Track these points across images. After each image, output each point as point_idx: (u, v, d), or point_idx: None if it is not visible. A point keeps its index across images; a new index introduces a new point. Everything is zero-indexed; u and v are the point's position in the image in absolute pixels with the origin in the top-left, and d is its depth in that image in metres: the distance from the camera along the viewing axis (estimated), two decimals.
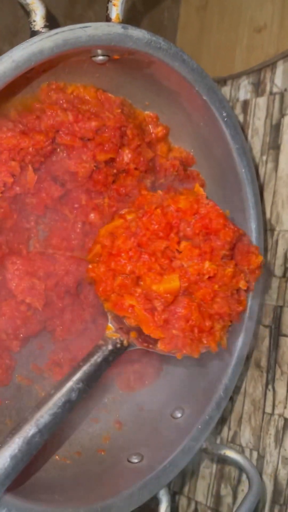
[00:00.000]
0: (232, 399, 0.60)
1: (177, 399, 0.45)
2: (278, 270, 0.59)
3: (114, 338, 0.38)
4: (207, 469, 0.62)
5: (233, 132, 0.43)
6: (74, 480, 0.38)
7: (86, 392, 0.36)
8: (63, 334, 0.42)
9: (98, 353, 0.37)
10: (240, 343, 0.45)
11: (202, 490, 0.62)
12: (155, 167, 0.44)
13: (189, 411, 0.43)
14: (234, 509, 0.45)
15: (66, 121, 0.37)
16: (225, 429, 0.60)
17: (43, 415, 0.33)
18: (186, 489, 0.63)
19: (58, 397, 0.34)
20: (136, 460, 0.40)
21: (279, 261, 0.60)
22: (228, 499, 0.59)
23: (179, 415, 0.44)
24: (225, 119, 0.42)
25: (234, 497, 0.59)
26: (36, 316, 0.41)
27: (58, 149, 0.38)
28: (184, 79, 0.39)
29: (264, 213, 0.61)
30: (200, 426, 0.42)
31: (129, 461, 0.40)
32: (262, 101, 0.63)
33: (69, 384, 0.35)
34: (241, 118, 0.64)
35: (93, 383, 0.37)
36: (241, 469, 0.46)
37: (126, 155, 0.41)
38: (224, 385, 0.44)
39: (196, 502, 0.62)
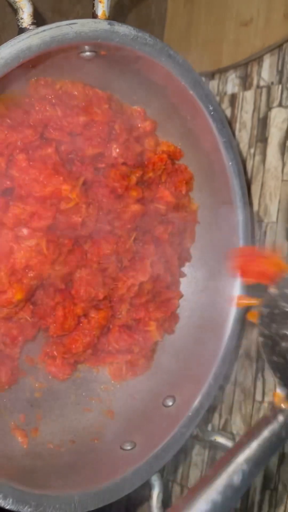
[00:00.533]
0: (223, 388, 0.61)
1: (169, 388, 0.46)
2: None
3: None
4: (199, 457, 0.63)
5: (220, 125, 0.43)
6: (69, 467, 0.38)
7: (253, 476, 0.29)
8: (56, 331, 0.43)
9: (268, 427, 0.31)
10: (228, 332, 0.46)
11: (194, 477, 0.63)
12: (143, 161, 0.45)
13: (180, 400, 0.44)
14: None
15: (54, 116, 0.37)
16: (216, 416, 0.62)
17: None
18: (179, 476, 0.65)
19: (217, 482, 0.28)
20: (129, 447, 0.41)
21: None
22: None
23: (170, 403, 0.45)
24: (212, 112, 0.42)
25: None
26: (29, 321, 0.41)
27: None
28: (171, 74, 0.40)
29: (252, 205, 0.62)
30: (190, 414, 0.43)
31: (122, 448, 0.41)
32: (249, 94, 0.64)
33: (232, 466, 0.28)
34: (229, 111, 0.65)
35: (261, 465, 0.30)
36: None
37: (114, 150, 0.41)
38: (214, 373, 0.45)
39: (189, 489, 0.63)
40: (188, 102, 0.42)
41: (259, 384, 0.59)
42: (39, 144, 0.37)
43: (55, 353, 0.43)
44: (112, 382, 0.47)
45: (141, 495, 0.41)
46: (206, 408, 0.44)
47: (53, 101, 0.37)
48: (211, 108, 0.42)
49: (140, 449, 0.41)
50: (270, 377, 0.58)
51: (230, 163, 0.44)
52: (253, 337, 0.60)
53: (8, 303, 0.36)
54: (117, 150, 0.41)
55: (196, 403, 0.43)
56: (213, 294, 0.49)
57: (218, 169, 0.46)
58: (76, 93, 0.39)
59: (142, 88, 0.42)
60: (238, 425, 0.60)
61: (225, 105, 0.66)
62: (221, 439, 0.44)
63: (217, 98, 0.65)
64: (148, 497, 0.42)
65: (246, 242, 0.48)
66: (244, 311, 0.52)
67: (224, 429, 0.61)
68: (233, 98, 0.65)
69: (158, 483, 0.40)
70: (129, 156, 0.42)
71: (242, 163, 0.62)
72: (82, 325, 0.43)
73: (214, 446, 0.59)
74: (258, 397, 0.59)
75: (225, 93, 0.65)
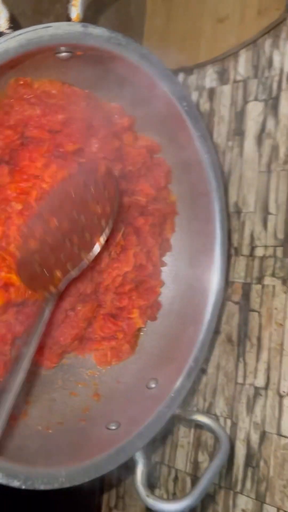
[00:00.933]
0: (206, 372, 0.63)
1: (151, 371, 0.48)
2: (245, 250, 0.63)
3: None
4: (185, 439, 0.66)
5: (194, 120, 0.45)
6: (57, 447, 0.41)
7: None
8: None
9: None
10: (208, 317, 0.49)
11: (181, 459, 0.66)
12: (122, 155, 0.47)
13: (162, 381, 0.47)
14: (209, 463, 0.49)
15: (34, 115, 0.39)
16: (201, 400, 0.64)
17: None
18: (166, 458, 0.67)
19: None
20: (114, 427, 0.44)
21: (246, 241, 0.63)
22: (205, 465, 0.64)
23: (153, 385, 0.47)
24: (186, 108, 0.44)
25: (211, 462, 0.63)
26: (18, 317, 0.43)
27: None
28: (145, 73, 0.42)
29: (230, 196, 0.64)
30: (172, 395, 0.46)
31: (107, 428, 0.44)
32: (226, 89, 0.66)
33: None
34: (208, 105, 0.67)
35: None
36: (211, 431, 0.50)
37: (94, 145, 0.43)
38: (194, 356, 0.47)
39: (176, 470, 0.66)
40: (163, 99, 0.44)
41: (240, 367, 0.62)
42: (20, 143, 0.39)
43: (44, 345, 0.45)
44: (98, 367, 0.49)
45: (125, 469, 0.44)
46: (187, 389, 0.47)
47: (32, 100, 0.39)
48: (185, 104, 0.44)
49: (124, 429, 0.43)
50: (251, 360, 0.61)
51: (205, 156, 0.47)
52: (234, 323, 0.63)
53: None
54: (97, 145, 0.43)
55: (177, 384, 0.45)
56: (193, 282, 0.51)
57: (194, 162, 0.48)
58: (54, 91, 0.41)
59: (119, 86, 0.44)
60: (221, 408, 0.63)
61: (204, 99, 0.68)
62: (202, 418, 0.47)
63: (196, 93, 0.67)
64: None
65: (222, 231, 0.51)
66: (222, 297, 0.55)
67: (209, 412, 0.63)
68: (211, 92, 0.67)
69: (142, 460, 0.42)
70: (109, 150, 0.44)
71: (221, 155, 0.64)
72: (69, 318, 0.45)
73: (199, 427, 0.62)
74: (240, 380, 0.62)
75: (203, 88, 0.68)
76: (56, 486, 0.36)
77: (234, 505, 0.60)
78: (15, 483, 0.34)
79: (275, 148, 0.62)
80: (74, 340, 0.45)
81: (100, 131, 0.43)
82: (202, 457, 0.64)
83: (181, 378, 0.46)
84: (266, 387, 0.60)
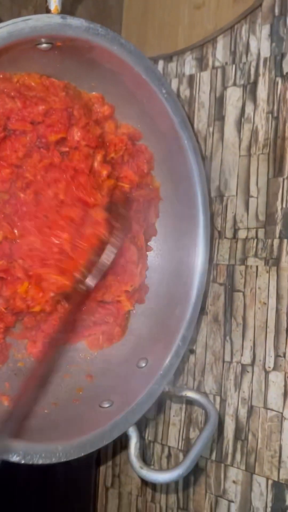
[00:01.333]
0: (195, 352, 0.66)
1: (141, 351, 0.50)
2: (228, 233, 0.65)
3: None
4: (177, 417, 0.68)
5: (174, 107, 0.47)
6: (53, 425, 0.43)
7: None
8: (30, 321, 0.46)
9: None
10: (194, 296, 0.51)
11: (173, 436, 0.69)
12: (105, 143, 0.48)
13: (152, 360, 0.49)
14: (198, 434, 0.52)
15: (15, 108, 0.40)
16: (190, 379, 0.67)
17: None
18: (159, 437, 0.70)
19: None
20: (107, 405, 0.46)
21: (229, 224, 0.65)
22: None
23: (143, 364, 0.49)
24: (165, 95, 0.46)
25: None
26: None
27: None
28: (124, 61, 0.43)
29: (212, 180, 0.66)
30: (162, 372, 0.48)
31: (100, 407, 0.46)
32: (205, 75, 0.67)
33: None
34: (188, 92, 0.68)
35: None
36: (199, 405, 0.52)
37: (76, 133, 0.44)
38: (182, 335, 0.49)
39: (169, 447, 0.68)
40: (143, 87, 0.45)
41: (227, 346, 0.64)
42: (3, 136, 0.40)
43: (35, 338, 0.47)
44: (90, 351, 0.51)
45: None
46: (175, 367, 0.49)
47: (12, 94, 0.40)
48: (164, 91, 0.45)
49: (117, 406, 0.45)
50: (237, 339, 0.63)
51: (186, 142, 0.48)
52: (220, 304, 0.65)
53: None
54: (79, 133, 0.45)
55: (166, 362, 0.47)
56: (178, 264, 0.53)
57: (175, 148, 0.49)
58: (33, 84, 0.42)
59: (98, 75, 0.45)
60: (210, 385, 0.65)
61: (184, 86, 0.69)
62: (191, 394, 0.49)
63: (176, 80, 0.68)
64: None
65: (205, 215, 0.52)
66: (206, 276, 0.56)
67: (198, 390, 0.66)
68: (191, 79, 0.68)
69: (135, 434, 0.44)
70: (91, 138, 0.45)
71: (202, 141, 0.66)
72: (59, 310, 0.47)
73: (190, 403, 0.64)
74: (227, 358, 0.64)
75: (183, 75, 0.69)
76: (54, 460, 0.38)
77: (225, 477, 0.63)
78: (15, 458, 0.36)
79: (254, 132, 0.63)
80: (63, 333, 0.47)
81: (81, 120, 0.44)
82: (194, 434, 0.67)
83: (169, 357, 0.48)
84: (253, 363, 0.62)
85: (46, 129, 0.42)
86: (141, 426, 0.46)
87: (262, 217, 0.63)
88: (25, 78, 0.41)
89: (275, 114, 0.61)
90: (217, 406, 0.64)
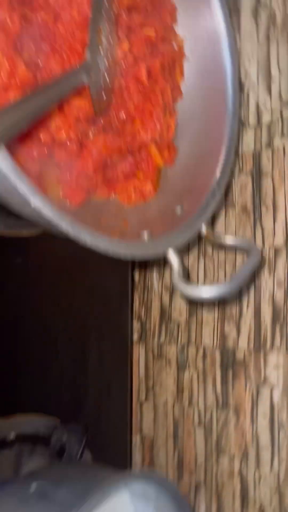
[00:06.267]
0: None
1: (177, 199, 0.48)
2: (252, 119, 0.65)
3: None
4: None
5: None
6: None
7: None
8: None
9: None
10: (225, 147, 0.50)
11: (208, 334, 0.66)
12: None
13: (187, 206, 0.47)
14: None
15: None
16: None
17: None
18: (193, 339, 0.68)
19: None
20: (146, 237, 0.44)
21: (252, 111, 0.65)
22: (233, 334, 0.64)
23: (179, 212, 0.48)
24: None
25: (238, 331, 0.63)
26: None
27: None
28: None
29: None
30: (198, 212, 0.46)
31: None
32: None
33: None
34: None
35: None
36: (240, 249, 0.51)
37: None
38: (217, 178, 0.48)
39: (204, 347, 0.66)
40: None
41: (258, 233, 0.63)
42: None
43: (68, 178, 0.45)
44: (124, 208, 0.50)
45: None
46: (212, 207, 0.47)
47: None
48: None
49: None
50: (268, 224, 0.62)
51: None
52: (248, 193, 0.64)
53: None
54: None
55: (203, 202, 0.46)
56: (206, 125, 0.53)
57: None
58: None
59: None
60: None
61: None
62: (228, 238, 0.47)
63: None
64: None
65: (233, 71, 0.52)
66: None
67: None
68: None
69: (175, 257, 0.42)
70: None
71: None
72: (86, 148, 0.46)
73: (225, 247, 0.60)
74: (259, 243, 0.63)
75: None
76: None
77: (266, 364, 0.61)
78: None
79: (271, 17, 0.64)
80: (96, 171, 0.46)
81: None
82: (228, 328, 0.65)
83: (205, 197, 0.46)
84: (286, 243, 0.61)
85: None
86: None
87: (285, 96, 0.63)
88: None
89: None
90: (252, 290, 0.63)
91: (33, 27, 0.38)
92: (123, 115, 0.47)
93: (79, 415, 0.71)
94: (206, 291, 0.39)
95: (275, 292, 0.61)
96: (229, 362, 0.63)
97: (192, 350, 0.68)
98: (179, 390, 0.68)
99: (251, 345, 0.62)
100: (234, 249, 0.61)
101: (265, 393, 0.60)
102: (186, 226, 0.44)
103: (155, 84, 0.49)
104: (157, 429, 0.69)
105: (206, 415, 0.65)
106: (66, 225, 0.34)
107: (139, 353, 0.72)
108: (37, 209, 0.33)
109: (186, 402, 0.67)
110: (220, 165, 0.50)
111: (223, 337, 0.65)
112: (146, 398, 0.71)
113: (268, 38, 0.64)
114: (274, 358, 0.60)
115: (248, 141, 0.65)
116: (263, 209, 0.63)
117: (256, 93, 0.65)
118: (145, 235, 0.43)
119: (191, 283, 0.41)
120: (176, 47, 0.52)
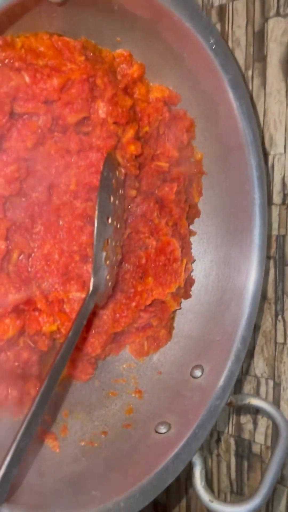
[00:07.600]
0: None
1: (195, 357, 0.43)
2: (276, 198, 0.55)
3: None
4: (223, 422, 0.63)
5: (224, 61, 0.36)
6: (106, 465, 0.36)
7: None
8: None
9: None
10: (251, 285, 0.42)
11: (223, 420, 0.64)
12: (136, 114, 0.37)
13: (209, 369, 0.41)
14: (270, 455, 0.46)
15: (22, 84, 0.29)
16: None
17: None
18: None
19: None
20: (164, 430, 0.39)
21: (277, 187, 0.55)
22: (249, 426, 0.61)
23: (199, 374, 0.42)
24: (213, 46, 0.34)
25: (255, 424, 0.61)
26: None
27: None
28: (161, 5, 0.31)
29: None
30: (222, 383, 0.41)
31: (157, 432, 0.39)
32: (240, 4, 0.54)
33: None
34: (218, 27, 0.55)
35: None
36: (268, 416, 0.46)
37: (101, 109, 0.34)
38: (241, 336, 0.42)
39: (218, 432, 0.64)
40: (184, 37, 0.34)
41: (279, 326, 0.57)
42: (10, 126, 0.30)
43: (74, 357, 0.39)
44: (135, 359, 0.44)
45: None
46: (237, 375, 0.42)
47: (17, 65, 0.29)
48: (212, 41, 0.34)
49: (176, 431, 0.39)
50: None
51: (238, 103, 0.37)
52: (269, 279, 0.57)
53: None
54: (104, 108, 0.34)
55: (226, 370, 0.40)
56: (228, 250, 0.44)
57: (223, 112, 0.39)
58: (42, 48, 0.30)
59: (124, 26, 0.34)
60: (261, 368, 0.59)
61: (213, 19, 0.56)
62: (255, 401, 0.43)
63: (203, 13, 0.55)
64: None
65: (261, 188, 0.43)
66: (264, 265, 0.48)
67: (248, 373, 0.60)
68: (221, 10, 0.55)
69: (199, 461, 0.39)
70: (120, 113, 0.35)
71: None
72: (94, 324, 0.39)
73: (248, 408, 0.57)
74: (280, 339, 0.57)
75: (211, 5, 0.56)
76: None
77: (286, 464, 0.59)
78: None
79: None
80: (105, 347, 0.39)
81: (107, 90, 0.33)
82: (245, 419, 0.62)
83: (229, 363, 0.41)
84: None
85: (63, 108, 0.32)
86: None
87: None
88: (31, 41, 0.30)
89: None
90: (270, 390, 0.59)
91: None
92: (132, 276, 0.39)
93: None
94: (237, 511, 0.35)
95: None
96: None
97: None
98: None
99: (268, 441, 0.60)
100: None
101: (280, 492, 0.59)
102: (210, 412, 0.38)
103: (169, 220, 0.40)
104: None
105: None
106: None
107: None
108: None
109: None
110: (246, 306, 0.43)
111: (239, 426, 0.62)
112: None
113: None
114: None
115: (272, 221, 0.57)
116: (286, 301, 0.57)
117: (282, 166, 0.55)
118: (163, 429, 0.38)
119: (217, 500, 0.37)
120: (194, 164, 0.42)
